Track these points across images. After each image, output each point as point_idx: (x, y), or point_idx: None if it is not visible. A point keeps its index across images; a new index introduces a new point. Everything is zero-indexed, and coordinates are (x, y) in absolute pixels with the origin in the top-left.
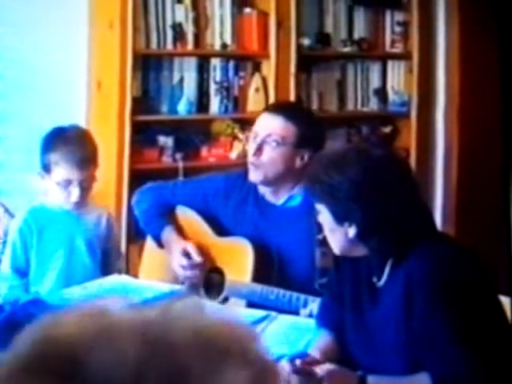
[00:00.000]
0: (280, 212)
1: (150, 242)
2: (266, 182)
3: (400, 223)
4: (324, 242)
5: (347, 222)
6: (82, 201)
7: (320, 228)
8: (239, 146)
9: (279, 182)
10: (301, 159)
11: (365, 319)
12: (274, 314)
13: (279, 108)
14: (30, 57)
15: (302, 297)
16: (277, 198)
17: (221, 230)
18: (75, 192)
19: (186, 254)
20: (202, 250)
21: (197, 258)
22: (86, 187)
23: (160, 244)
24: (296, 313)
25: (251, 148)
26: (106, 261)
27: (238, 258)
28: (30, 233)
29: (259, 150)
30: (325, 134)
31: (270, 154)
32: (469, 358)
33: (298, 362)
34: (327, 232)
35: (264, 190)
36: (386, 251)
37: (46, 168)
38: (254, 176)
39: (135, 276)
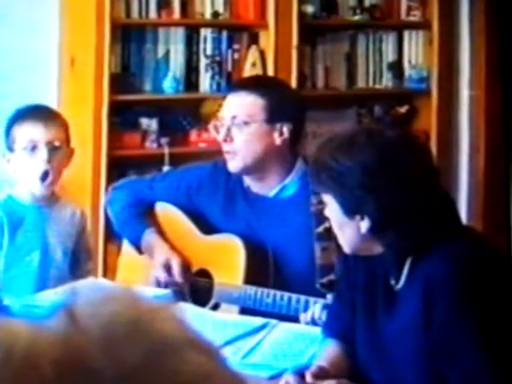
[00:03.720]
0: (272, 205)
1: (127, 245)
2: (248, 170)
3: (419, 215)
4: (324, 236)
5: (359, 215)
6: (53, 172)
7: (318, 220)
8: None
9: (263, 168)
10: (280, 135)
11: (380, 327)
12: (273, 321)
13: (240, 84)
14: None
15: (303, 298)
16: (266, 189)
17: (207, 228)
18: (43, 154)
19: (168, 269)
20: (187, 251)
21: (178, 276)
22: (54, 153)
23: (139, 249)
24: (295, 316)
25: (221, 135)
26: (76, 261)
27: (227, 258)
28: (1, 231)
29: (228, 135)
30: (303, 103)
31: (241, 135)
32: (495, 375)
33: (304, 375)
34: (336, 227)
35: (248, 181)
36: (403, 248)
37: (11, 141)
38: (233, 165)
39: (113, 279)
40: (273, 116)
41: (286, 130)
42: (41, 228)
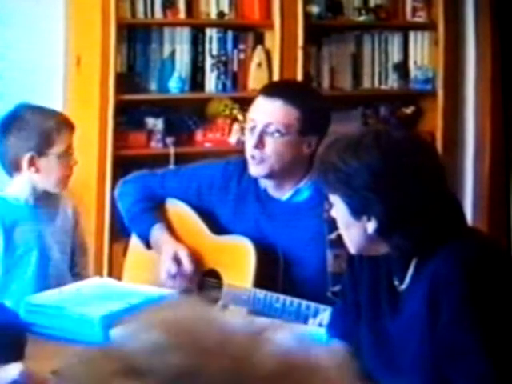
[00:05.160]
0: (285, 208)
1: (135, 240)
2: (271, 176)
3: (425, 217)
4: (336, 243)
5: (365, 216)
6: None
7: (331, 227)
8: (239, 129)
9: (285, 174)
10: (308, 147)
11: (384, 328)
12: (277, 322)
13: (277, 89)
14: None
15: (313, 305)
16: (281, 192)
17: (217, 228)
18: (73, 159)
19: (177, 260)
20: (196, 250)
21: (188, 265)
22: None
23: (148, 244)
24: (305, 324)
25: (250, 139)
26: (72, 258)
27: (237, 260)
28: None
29: (260, 142)
30: (330, 113)
31: (274, 146)
32: (499, 377)
33: None
34: (342, 228)
35: (266, 184)
36: (409, 249)
37: (44, 146)
38: (257, 170)
39: (119, 278)
40: (306, 128)
41: (313, 142)
42: (37, 228)
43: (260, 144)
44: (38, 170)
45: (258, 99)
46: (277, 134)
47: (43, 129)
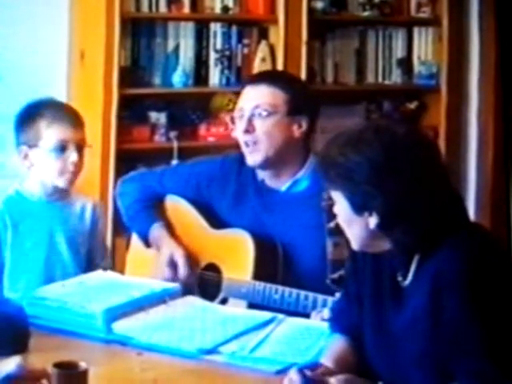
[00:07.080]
0: (284, 199)
1: (135, 238)
2: (268, 163)
3: (427, 212)
4: (336, 231)
5: (367, 211)
6: (76, 174)
7: (330, 215)
8: None
9: (281, 162)
10: (298, 127)
11: (387, 324)
12: (281, 316)
13: (261, 76)
14: (2, 22)
15: (311, 295)
16: (279, 183)
17: (217, 222)
18: (73, 156)
19: (173, 264)
20: (196, 244)
21: (182, 271)
22: (80, 154)
23: (147, 243)
24: (304, 313)
25: (240, 126)
26: (90, 260)
27: (236, 253)
28: (4, 227)
29: (250, 125)
30: (316, 96)
31: (264, 127)
32: (503, 373)
33: (308, 372)
34: (344, 225)
35: (263, 175)
36: (411, 245)
37: (33, 138)
38: (253, 158)
39: (122, 272)
40: (293, 109)
41: (304, 123)
42: (47, 224)
43: (250, 127)
44: (31, 164)
45: (244, 90)
46: (264, 113)
47: (35, 120)
